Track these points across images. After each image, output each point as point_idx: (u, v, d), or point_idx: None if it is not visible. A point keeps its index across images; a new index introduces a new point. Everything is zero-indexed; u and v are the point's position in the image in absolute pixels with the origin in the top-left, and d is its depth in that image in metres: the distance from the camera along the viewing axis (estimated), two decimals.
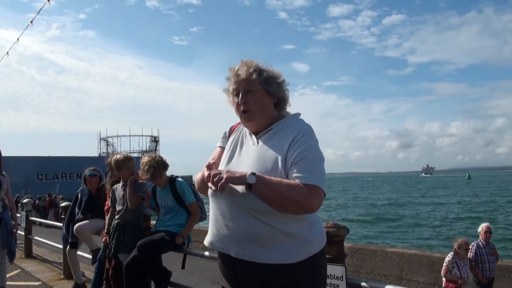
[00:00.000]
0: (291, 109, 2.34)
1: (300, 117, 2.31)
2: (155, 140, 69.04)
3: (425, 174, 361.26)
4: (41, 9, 10.65)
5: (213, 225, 2.21)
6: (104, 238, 5.16)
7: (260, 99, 2.20)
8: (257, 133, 2.25)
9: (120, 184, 5.13)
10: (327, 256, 2.38)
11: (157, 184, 4.86)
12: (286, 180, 1.97)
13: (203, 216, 4.84)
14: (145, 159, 4.76)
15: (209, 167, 2.21)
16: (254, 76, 2.18)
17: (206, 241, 2.25)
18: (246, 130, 2.33)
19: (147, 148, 67.67)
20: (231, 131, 2.48)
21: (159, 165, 4.71)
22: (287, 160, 2.05)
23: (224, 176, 2.01)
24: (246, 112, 2.20)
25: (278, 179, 1.97)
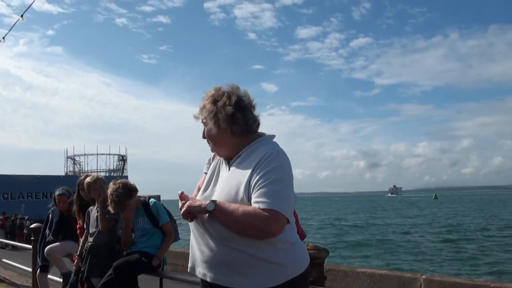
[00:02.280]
0: (260, 128, 2.33)
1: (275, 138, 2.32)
2: (122, 159, 67.92)
3: (391, 194, 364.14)
4: (14, 25, 10.51)
5: (191, 251, 2.28)
6: (76, 261, 5.04)
7: (212, 131, 2.24)
8: (230, 159, 2.28)
9: (95, 206, 5.05)
10: None
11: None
12: (244, 206, 2.01)
13: (177, 236, 4.83)
14: (109, 191, 4.58)
15: (180, 197, 2.23)
16: (202, 109, 2.28)
17: (188, 266, 2.31)
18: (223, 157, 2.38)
19: (115, 167, 66.44)
20: (213, 157, 2.50)
21: (125, 196, 4.53)
22: (250, 185, 2.07)
23: (185, 206, 2.13)
24: (208, 144, 2.33)
25: (237, 205, 2.02)
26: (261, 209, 1.96)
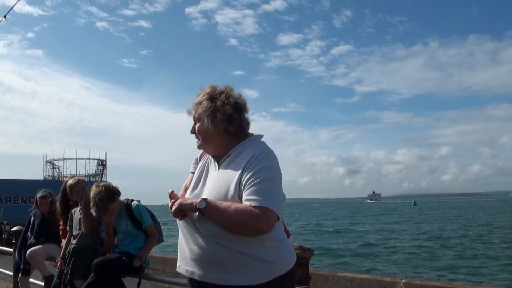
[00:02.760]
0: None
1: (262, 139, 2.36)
2: (102, 163, 67.05)
3: (370, 200, 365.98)
4: None
5: (179, 250, 2.30)
6: (59, 263, 5.03)
7: (205, 129, 2.29)
8: (219, 158, 2.31)
9: (79, 208, 5.05)
10: None
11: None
12: (235, 204, 2.05)
13: (161, 239, 4.84)
14: (91, 194, 4.59)
15: (170, 195, 2.25)
16: (197, 106, 2.31)
17: (177, 265, 2.33)
18: (211, 156, 2.40)
19: (94, 172, 65.62)
20: (201, 156, 2.52)
21: (108, 199, 4.55)
22: (241, 183, 2.10)
23: (176, 204, 2.16)
24: (197, 140, 2.37)
25: (228, 203, 2.06)
26: (253, 206, 2.00)
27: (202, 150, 2.49)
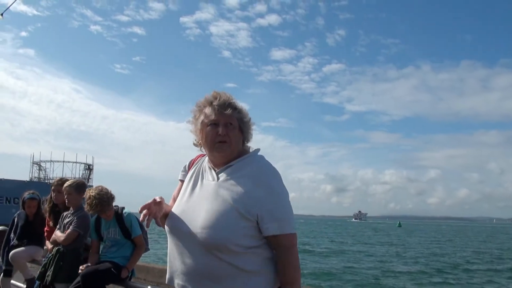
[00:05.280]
0: None
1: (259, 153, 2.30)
2: (89, 168, 66.55)
3: (355, 219, 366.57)
4: None
5: (171, 261, 2.20)
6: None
7: (237, 134, 2.20)
8: (217, 167, 2.22)
9: (69, 211, 5.02)
10: None
11: (104, 217, 4.73)
12: (293, 263, 2.11)
13: (147, 248, 4.83)
14: (91, 192, 4.61)
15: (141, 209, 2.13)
16: (234, 110, 2.21)
17: (166, 278, 2.23)
18: (206, 164, 2.29)
19: (81, 176, 65.10)
20: (191, 164, 2.43)
21: (108, 198, 4.61)
22: (253, 198, 2.04)
23: None
24: (223, 142, 2.16)
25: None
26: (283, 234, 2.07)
27: (193, 158, 2.42)
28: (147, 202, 2.14)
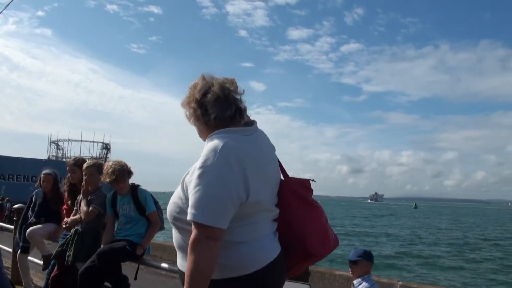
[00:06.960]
0: None
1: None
2: (106, 147, 67.32)
3: (370, 200, 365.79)
4: (10, 3, 10.38)
5: None
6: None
7: (197, 125, 2.21)
8: None
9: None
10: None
11: (118, 190, 4.70)
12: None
13: (162, 226, 4.82)
14: (109, 162, 4.67)
15: None
16: (195, 95, 2.16)
17: None
18: None
19: (98, 155, 65.91)
20: None
21: (124, 170, 4.61)
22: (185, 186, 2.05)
23: None
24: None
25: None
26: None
27: None
28: None
